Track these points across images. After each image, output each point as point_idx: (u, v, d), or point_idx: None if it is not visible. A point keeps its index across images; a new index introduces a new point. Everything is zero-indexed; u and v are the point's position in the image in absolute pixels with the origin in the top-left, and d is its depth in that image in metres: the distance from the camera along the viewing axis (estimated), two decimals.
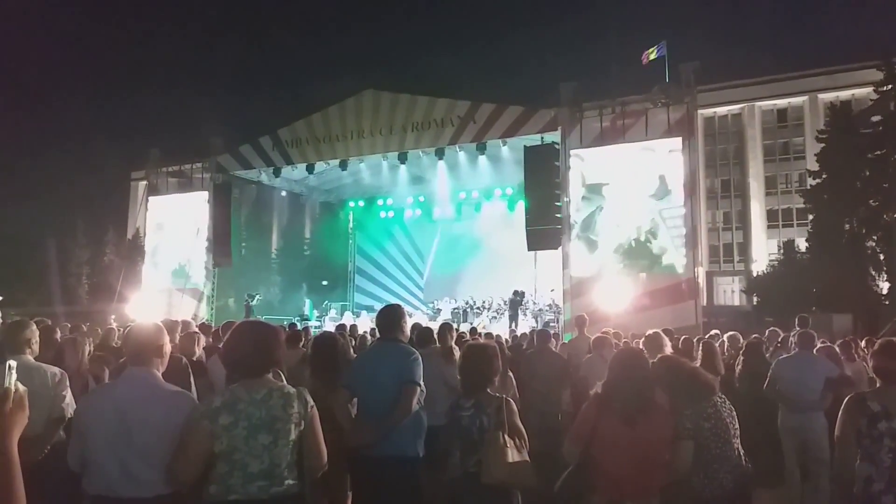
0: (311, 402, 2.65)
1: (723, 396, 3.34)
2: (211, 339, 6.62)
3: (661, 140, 15.37)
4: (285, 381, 2.89)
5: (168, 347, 2.82)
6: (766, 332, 7.48)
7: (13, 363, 1.69)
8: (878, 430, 2.97)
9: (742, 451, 3.29)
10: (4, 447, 1.58)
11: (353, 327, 11.53)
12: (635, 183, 15.55)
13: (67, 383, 3.56)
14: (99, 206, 38.92)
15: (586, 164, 16.14)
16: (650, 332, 5.13)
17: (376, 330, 4.39)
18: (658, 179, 15.34)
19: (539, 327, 13.78)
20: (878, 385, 3.19)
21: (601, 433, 3.12)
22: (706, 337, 8.48)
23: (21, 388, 1.66)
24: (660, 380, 3.31)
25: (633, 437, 3.05)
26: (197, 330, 6.23)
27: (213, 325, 10.58)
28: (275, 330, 2.81)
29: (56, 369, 3.57)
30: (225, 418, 2.47)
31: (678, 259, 15.05)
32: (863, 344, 7.73)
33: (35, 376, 3.40)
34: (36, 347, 3.67)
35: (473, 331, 11.21)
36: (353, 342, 7.62)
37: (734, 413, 3.30)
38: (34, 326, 3.74)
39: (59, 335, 4.76)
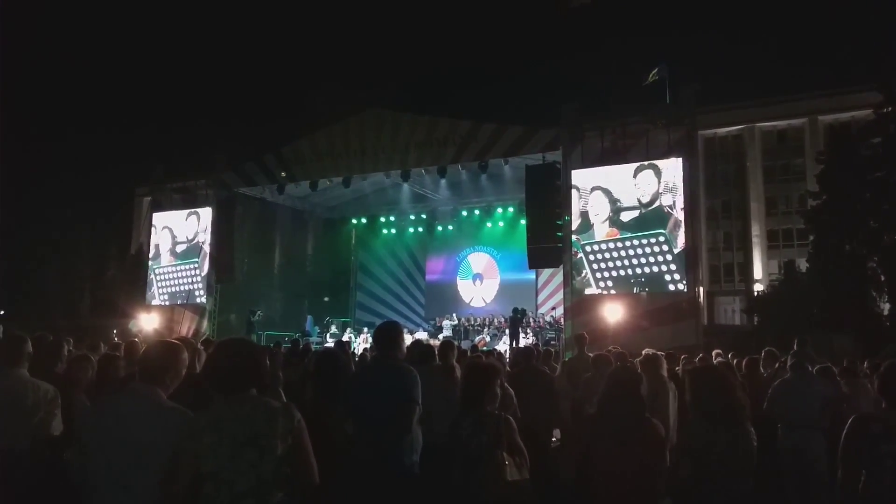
0: (298, 417, 2.58)
1: (752, 430, 3.23)
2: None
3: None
4: (284, 398, 2.90)
5: (180, 366, 2.81)
6: (763, 352, 7.44)
7: None
8: (881, 452, 2.97)
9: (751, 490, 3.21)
10: None
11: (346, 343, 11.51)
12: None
13: (59, 402, 3.48)
14: (102, 222, 38.90)
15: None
16: (647, 352, 5.13)
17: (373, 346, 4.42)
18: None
19: (541, 345, 13.76)
20: (882, 406, 3.18)
21: (595, 452, 3.15)
22: (713, 356, 8.51)
23: None
24: (694, 392, 3.27)
25: (627, 454, 3.08)
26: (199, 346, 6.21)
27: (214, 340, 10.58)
28: (256, 346, 2.79)
29: (50, 387, 3.50)
30: (209, 437, 2.43)
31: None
32: (864, 365, 7.74)
33: (29, 393, 3.38)
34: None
35: (474, 348, 11.21)
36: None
37: (752, 450, 3.19)
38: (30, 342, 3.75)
39: (66, 350, 4.77)
